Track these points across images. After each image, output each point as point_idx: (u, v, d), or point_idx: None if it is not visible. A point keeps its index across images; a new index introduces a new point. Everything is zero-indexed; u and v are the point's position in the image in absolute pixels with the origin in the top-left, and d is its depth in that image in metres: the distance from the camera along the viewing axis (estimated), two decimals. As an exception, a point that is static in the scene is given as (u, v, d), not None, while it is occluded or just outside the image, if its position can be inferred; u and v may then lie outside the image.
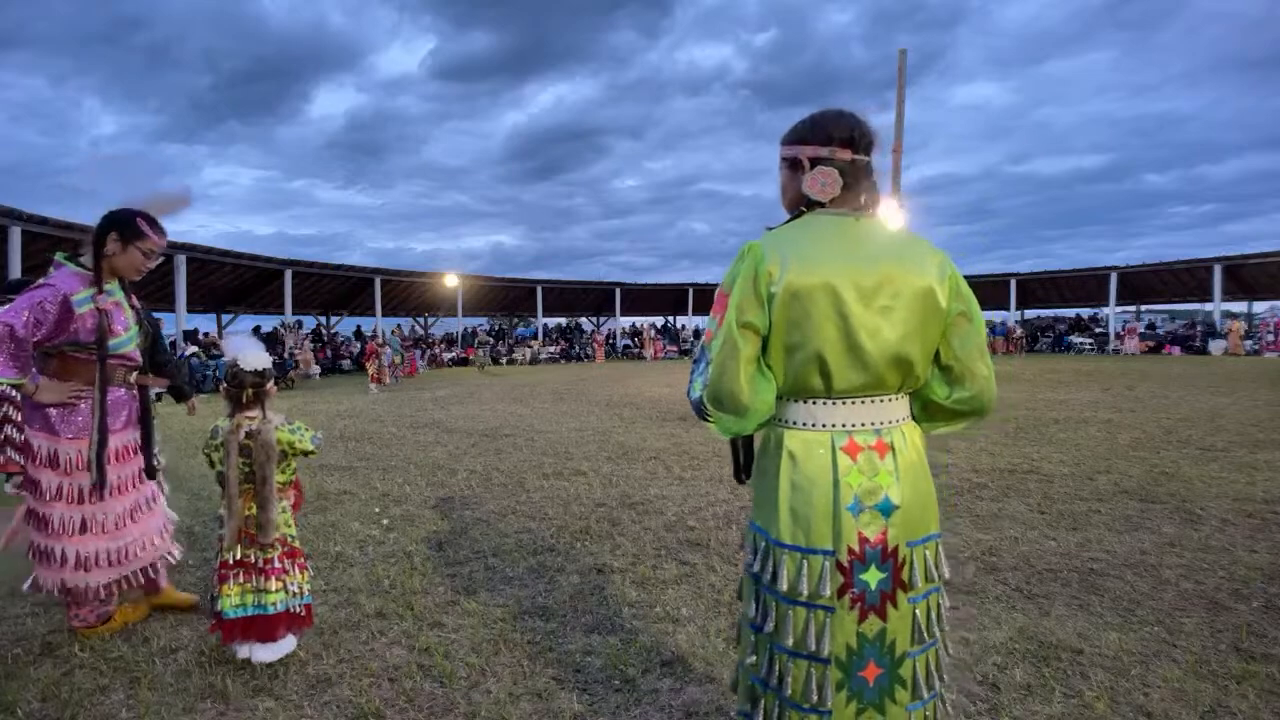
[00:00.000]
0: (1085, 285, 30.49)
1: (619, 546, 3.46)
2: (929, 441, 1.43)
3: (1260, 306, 28.61)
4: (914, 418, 1.37)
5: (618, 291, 33.76)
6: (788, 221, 1.36)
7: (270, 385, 2.28)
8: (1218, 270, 26.01)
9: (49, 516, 2.40)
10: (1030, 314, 33.25)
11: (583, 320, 37.60)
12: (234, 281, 23.75)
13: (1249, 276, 26.83)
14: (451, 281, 29.00)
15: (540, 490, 4.77)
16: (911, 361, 1.27)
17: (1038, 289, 32.40)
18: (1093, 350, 27.39)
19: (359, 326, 28.78)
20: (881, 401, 1.29)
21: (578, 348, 31.27)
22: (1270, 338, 23.53)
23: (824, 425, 1.27)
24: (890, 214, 1.40)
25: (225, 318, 25.61)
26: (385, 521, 4.02)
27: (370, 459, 6.13)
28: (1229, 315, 26.31)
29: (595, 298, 35.64)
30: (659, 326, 34.76)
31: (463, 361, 27.67)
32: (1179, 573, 3.03)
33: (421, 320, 32.52)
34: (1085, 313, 31.74)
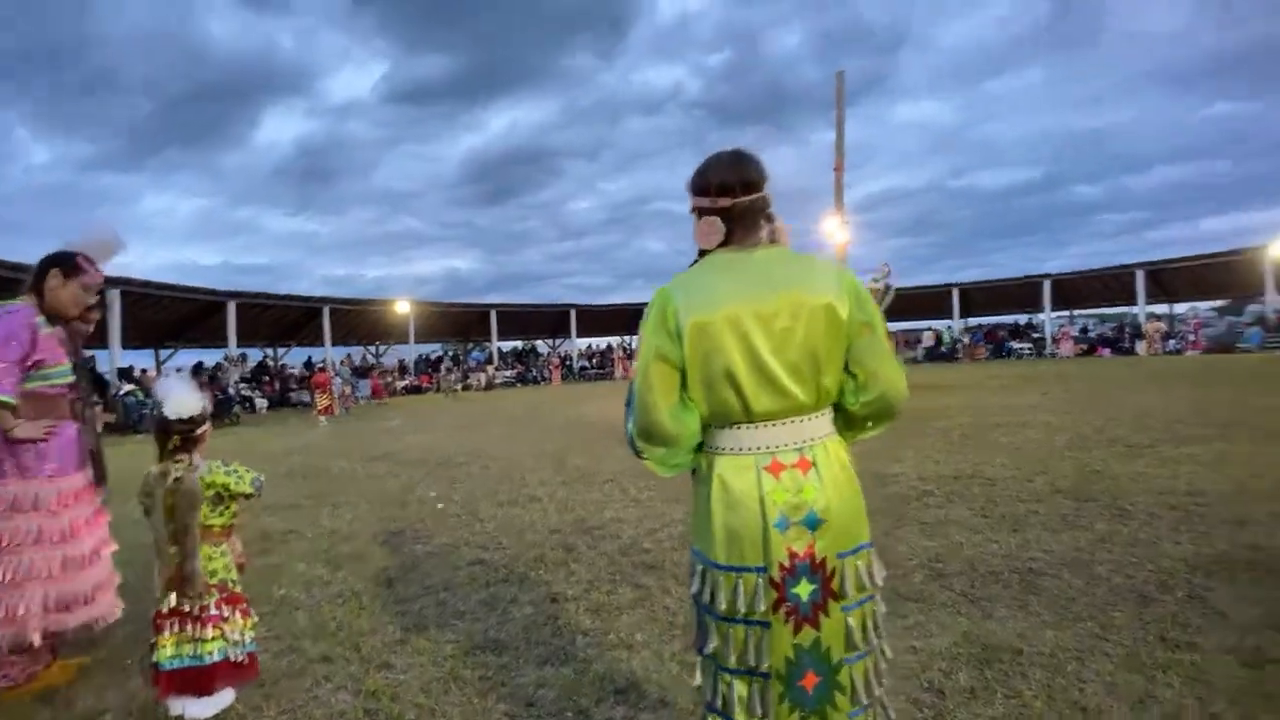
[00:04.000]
0: (1022, 293, 31.79)
1: (573, 573, 3.44)
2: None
3: (1181, 308, 30.36)
4: (838, 430, 1.43)
5: (573, 313, 33.76)
6: (693, 264, 1.46)
7: (202, 430, 2.21)
8: (1140, 275, 27.54)
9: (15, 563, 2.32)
10: (973, 321, 34.46)
11: (538, 343, 37.41)
12: (173, 315, 22.87)
13: (1169, 280, 28.46)
14: (403, 308, 28.55)
15: (494, 519, 4.70)
16: (821, 377, 1.33)
17: (979, 297, 33.67)
18: (1031, 355, 28.56)
19: (309, 357, 28.01)
20: (802, 421, 1.34)
21: (534, 371, 31.07)
22: (1191, 337, 25.01)
23: (748, 448, 1.34)
24: (783, 242, 1.46)
25: (165, 353, 24.60)
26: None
27: (319, 495, 5.95)
28: (1153, 317, 27.83)
29: (550, 320, 35.53)
30: (628, 347, 34.78)
31: (416, 389, 27.19)
32: (1110, 568, 3.17)
33: (373, 348, 31.86)
34: (1023, 319, 33.07)
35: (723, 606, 1.32)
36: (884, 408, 1.39)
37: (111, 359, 17.74)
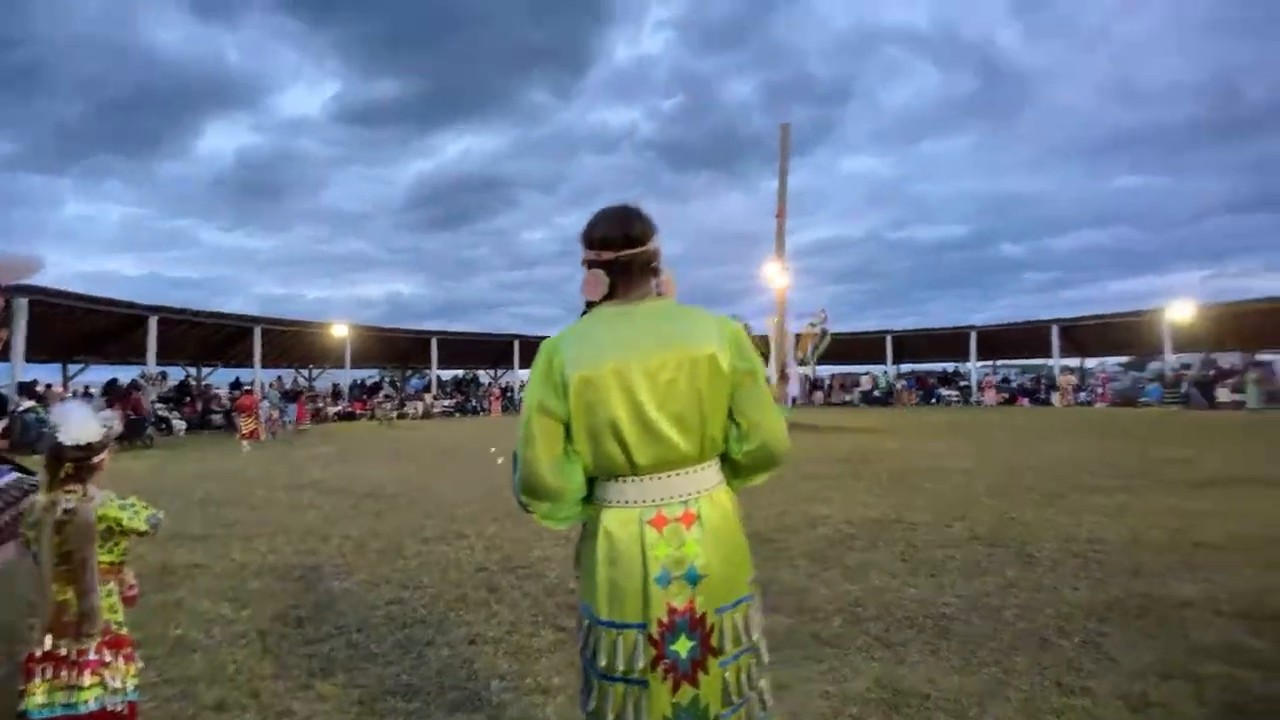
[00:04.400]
0: (951, 342, 33.31)
1: (495, 614, 3.36)
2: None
3: (1092, 362, 32.40)
4: (725, 479, 1.43)
5: (516, 344, 33.42)
6: (582, 315, 1.47)
7: (99, 459, 2.08)
8: (1055, 330, 29.33)
9: None
10: (905, 367, 35.83)
11: (480, 372, 36.81)
12: (87, 328, 21.50)
13: (1081, 336, 30.37)
14: (340, 331, 27.72)
15: (419, 556, 4.56)
16: (705, 428, 1.34)
17: (911, 345, 35.08)
18: (959, 402, 29.85)
19: (237, 378, 26.74)
20: (687, 473, 1.34)
21: (474, 401, 30.51)
22: (1100, 390, 26.73)
23: (633, 501, 1.33)
24: (669, 296, 1.47)
25: (74, 368, 23.05)
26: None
27: (233, 525, 5.65)
28: (1067, 370, 29.64)
29: (494, 349, 35.07)
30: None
31: (349, 416, 26.28)
32: (1016, 613, 3.31)
33: (306, 372, 30.71)
34: (951, 367, 34.61)
35: (603, 663, 1.29)
36: (766, 456, 1.40)
37: (13, 373, 16.50)
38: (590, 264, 1.43)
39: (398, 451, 12.38)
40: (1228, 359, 26.46)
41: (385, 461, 10.71)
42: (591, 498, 1.40)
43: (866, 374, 34.39)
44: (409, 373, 36.23)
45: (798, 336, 18.84)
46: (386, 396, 27.01)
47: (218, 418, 21.33)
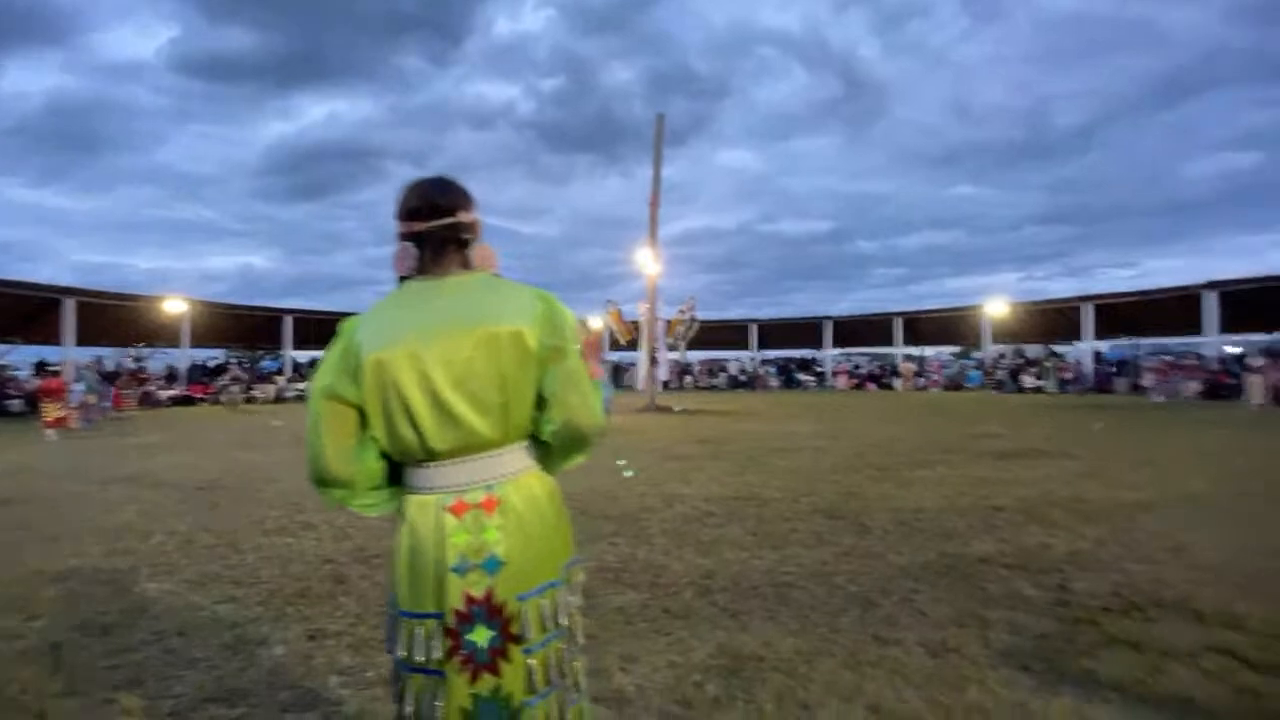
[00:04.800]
0: (809, 331, 35.78)
1: (341, 607, 3.19)
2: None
3: (929, 351, 36.02)
4: (540, 463, 1.37)
5: (382, 324, 31.63)
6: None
7: None
8: (899, 322, 32.36)
9: None
10: (769, 354, 37.95)
11: (341, 354, 34.51)
12: None
13: (920, 328, 33.73)
14: (175, 307, 24.90)
15: (257, 550, 4.23)
16: (509, 409, 1.27)
17: (774, 333, 37.24)
18: (815, 386, 32.11)
19: (42, 358, 23.22)
20: (489, 457, 1.28)
21: (333, 384, 28.58)
22: (934, 376, 29.86)
23: (433, 488, 1.28)
24: (487, 268, 1.40)
25: None
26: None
27: (30, 527, 4.94)
28: (908, 358, 32.85)
29: (355, 330, 32.98)
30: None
31: (186, 400, 23.74)
32: (847, 578, 3.63)
33: (135, 352, 27.32)
34: (809, 354, 37.14)
35: (403, 654, 1.25)
36: (571, 436, 1.32)
37: None
38: (400, 236, 1.36)
39: (243, 439, 11.36)
40: (1032, 349, 30.41)
41: (226, 449, 9.80)
42: (403, 485, 1.34)
43: (735, 360, 36.09)
44: (260, 353, 33.29)
45: (668, 323, 19.34)
46: (233, 379, 24.65)
47: (17, 403, 18.51)
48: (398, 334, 1.27)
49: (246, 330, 30.51)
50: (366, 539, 4.45)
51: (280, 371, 29.10)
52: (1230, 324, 24.09)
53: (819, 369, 34.59)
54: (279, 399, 25.16)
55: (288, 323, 28.87)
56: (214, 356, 31.50)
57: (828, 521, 4.88)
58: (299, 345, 30.80)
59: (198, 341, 27.83)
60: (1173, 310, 25.44)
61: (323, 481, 1.31)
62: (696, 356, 36.26)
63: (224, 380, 24.85)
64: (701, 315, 21.70)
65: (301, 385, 27.32)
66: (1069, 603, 3.21)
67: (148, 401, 22.00)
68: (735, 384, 32.92)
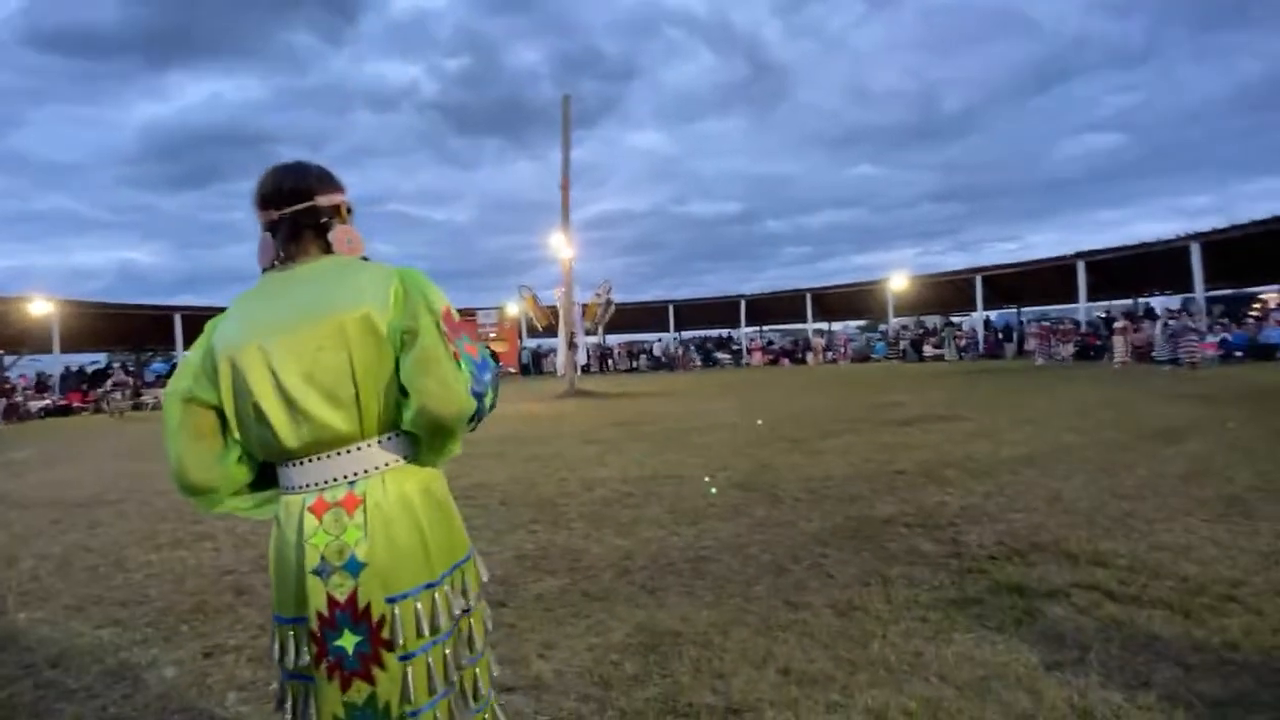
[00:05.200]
0: (724, 310, 36.59)
1: (241, 619, 3.02)
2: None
3: (838, 326, 37.64)
4: (413, 456, 1.28)
5: (283, 319, 29.90)
6: None
7: None
8: (809, 298, 33.56)
9: None
10: (686, 334, 38.58)
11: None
12: None
13: (829, 303, 35.18)
14: (41, 308, 22.58)
15: (146, 568, 3.93)
16: (364, 400, 1.20)
17: (690, 313, 37.87)
18: (732, 364, 32.93)
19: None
20: (349, 452, 1.21)
21: (232, 385, 26.80)
22: (842, 350, 31.25)
23: (296, 487, 1.22)
24: (344, 251, 1.32)
25: None
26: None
27: None
28: (818, 333, 34.20)
29: (254, 326, 31.05)
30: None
31: (63, 410, 21.68)
32: (761, 548, 3.75)
33: (-10, 360, 24.65)
34: (725, 332, 38.02)
35: (278, 658, 1.22)
36: (430, 425, 1.20)
37: None
38: (262, 228, 1.30)
39: (130, 450, 10.48)
40: (931, 320, 32.34)
41: (110, 461, 9.02)
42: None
43: (659, 340, 36.58)
44: (148, 355, 30.79)
45: (584, 307, 19.26)
46: (116, 385, 22.65)
47: None
48: (248, 329, 1.22)
49: (131, 331, 28.15)
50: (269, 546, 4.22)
51: (172, 374, 27.05)
52: (1098, 291, 26.46)
53: (735, 347, 35.48)
54: (170, 404, 23.38)
55: (178, 321, 26.75)
56: (95, 361, 28.92)
57: (743, 494, 5.03)
58: (192, 345, 28.68)
59: (72, 345, 25.47)
60: (1050, 280, 27.65)
61: (185, 489, 1.27)
62: (616, 340, 36.45)
63: (106, 387, 22.84)
64: (619, 298, 21.75)
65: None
66: (961, 554, 3.45)
67: (14, 414, 19.94)
68: (656, 365, 33.29)
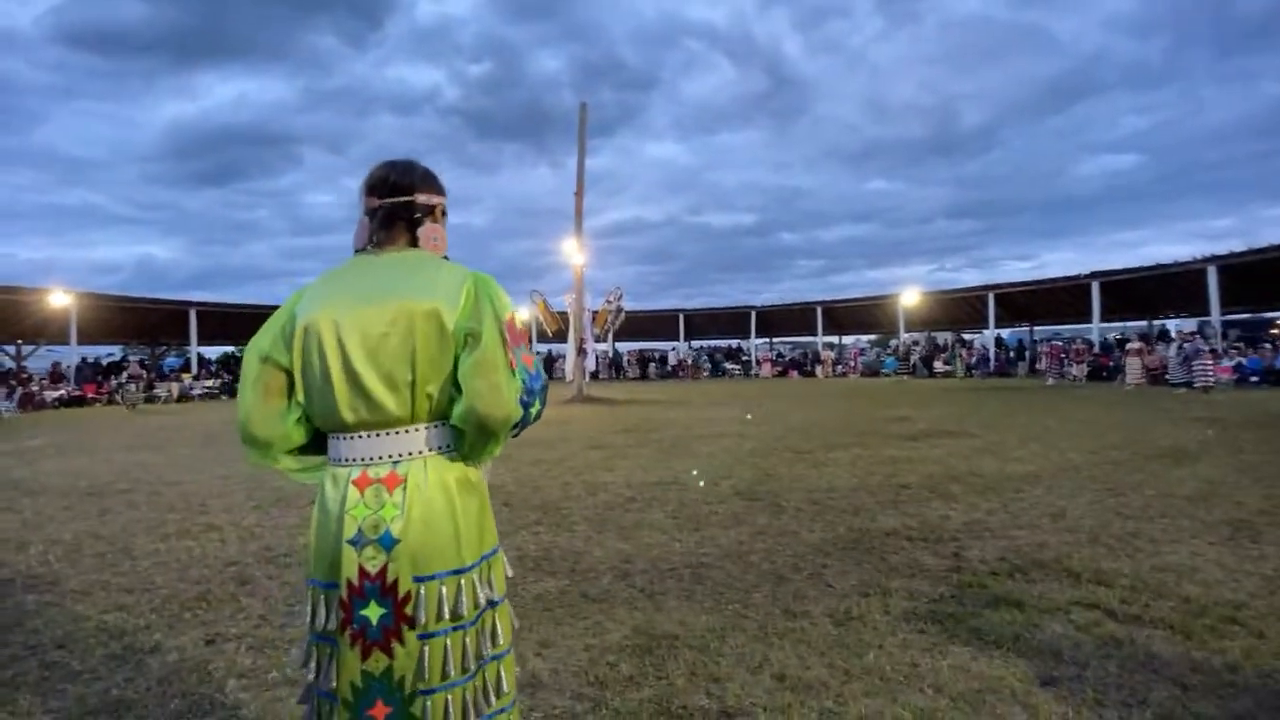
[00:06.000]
0: (735, 320, 36.56)
1: (244, 609, 3.05)
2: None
3: (849, 339, 37.50)
4: (454, 448, 1.33)
5: (297, 317, 30.13)
6: None
7: None
8: (819, 311, 33.48)
9: None
10: (696, 344, 38.57)
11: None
12: None
13: (840, 316, 35.05)
14: (60, 300, 22.89)
15: (153, 556, 3.98)
16: (420, 388, 1.26)
17: (701, 323, 37.87)
18: (740, 374, 32.86)
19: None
20: (397, 434, 1.28)
21: (244, 381, 26.98)
22: (852, 363, 31.13)
23: (344, 460, 1.30)
24: (430, 245, 1.41)
25: None
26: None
27: (-119, 542, 4.45)
28: (828, 346, 34.11)
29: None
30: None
31: (77, 401, 21.93)
32: (762, 556, 3.75)
33: (12, 349, 24.99)
34: (735, 343, 38.00)
35: (309, 620, 1.29)
36: (476, 423, 1.26)
37: None
38: (363, 213, 1.41)
39: (142, 441, 10.60)
40: (942, 336, 32.16)
41: (122, 452, 9.13)
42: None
43: (673, 349, 36.64)
44: (162, 349, 31.14)
45: (594, 314, 19.32)
46: (131, 377, 22.92)
47: None
48: (327, 302, 1.30)
49: (147, 325, 28.49)
50: (277, 538, 4.27)
51: (186, 368, 27.31)
52: (1112, 311, 26.22)
53: (745, 358, 35.43)
54: (184, 398, 23.63)
55: (193, 316, 27.05)
56: (110, 353, 29.28)
57: (745, 503, 5.03)
58: (206, 340, 29.00)
59: (89, 338, 25.78)
60: (1064, 299, 27.45)
61: (247, 439, 1.34)
62: (627, 347, 36.50)
63: (121, 379, 23.11)
64: (631, 306, 21.82)
65: (210, 383, 25.73)
66: (962, 568, 3.44)
67: (30, 403, 20.20)
68: (664, 374, 33.28)
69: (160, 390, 23.47)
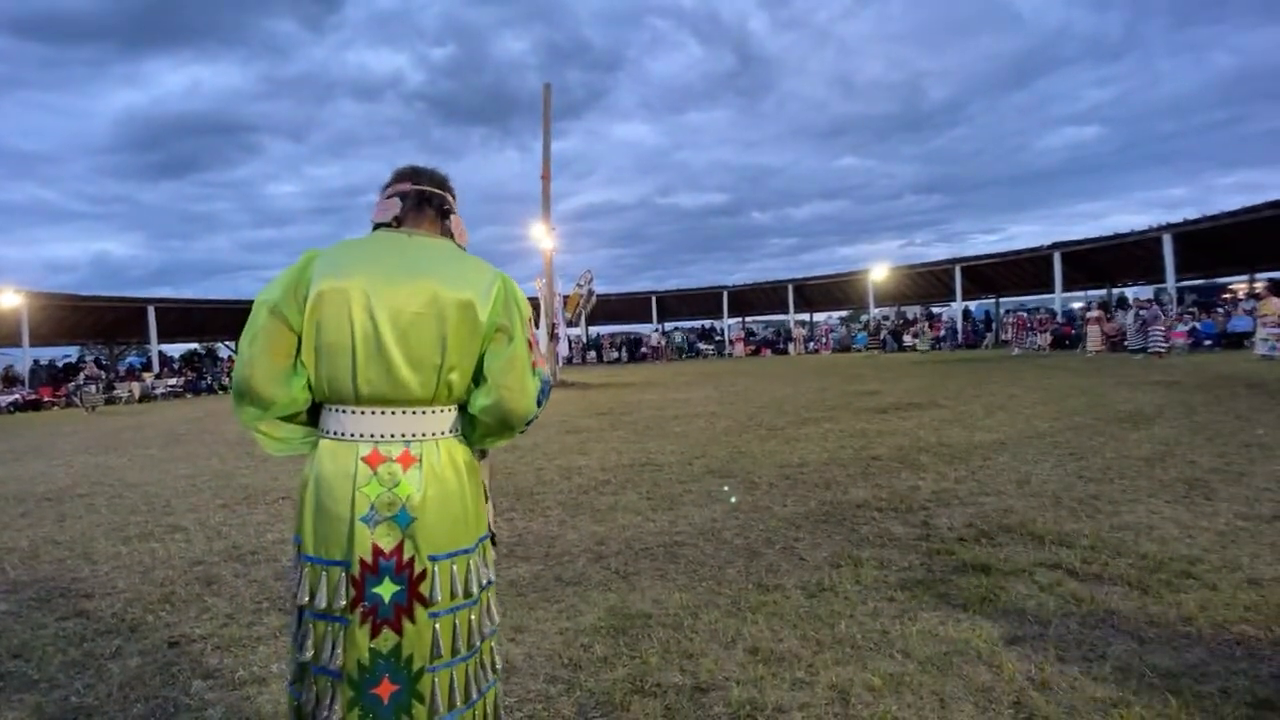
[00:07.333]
0: (708, 301, 36.64)
1: (208, 609, 2.99)
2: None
3: (820, 316, 37.84)
4: (463, 433, 1.37)
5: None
6: None
7: None
8: (791, 289, 33.69)
9: None
10: (669, 326, 38.60)
11: (220, 345, 31.95)
12: None
13: (811, 294, 35.33)
14: (9, 300, 22.04)
15: (113, 560, 3.87)
16: (440, 372, 1.28)
17: (673, 304, 37.87)
18: (714, 354, 33.04)
19: None
20: (413, 413, 1.29)
21: (209, 378, 26.41)
22: (824, 340, 31.47)
23: (352, 435, 1.28)
24: (458, 237, 1.48)
25: None
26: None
27: None
28: (800, 323, 34.39)
29: (232, 318, 30.57)
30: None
31: (33, 405, 21.20)
32: (735, 532, 3.78)
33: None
34: (708, 323, 38.13)
35: (305, 599, 1.26)
36: (500, 416, 1.32)
37: None
38: (388, 196, 1.42)
39: (101, 443, 10.29)
40: (912, 311, 32.61)
41: (80, 456, 8.85)
42: (317, 428, 1.35)
43: (639, 332, 36.57)
44: (121, 348, 30.24)
45: (565, 298, 19.20)
46: (89, 378, 22.22)
47: None
48: (353, 269, 1.28)
49: (104, 324, 27.63)
50: (245, 536, 4.18)
51: (147, 367, 26.55)
52: (1074, 281, 26.84)
53: (718, 338, 35.59)
54: (146, 398, 22.99)
55: (151, 314, 26.26)
56: (66, 355, 28.35)
57: (718, 480, 5.06)
58: (167, 338, 28.22)
59: (43, 339, 24.93)
60: (1028, 270, 28.01)
61: (242, 395, 1.30)
62: (601, 330, 36.41)
63: (78, 380, 22.39)
64: (603, 289, 21.73)
65: (173, 381, 25.06)
66: (930, 536, 3.50)
67: (-18, 409, 19.49)
68: (634, 357, 33.30)
69: (121, 391, 22.78)
